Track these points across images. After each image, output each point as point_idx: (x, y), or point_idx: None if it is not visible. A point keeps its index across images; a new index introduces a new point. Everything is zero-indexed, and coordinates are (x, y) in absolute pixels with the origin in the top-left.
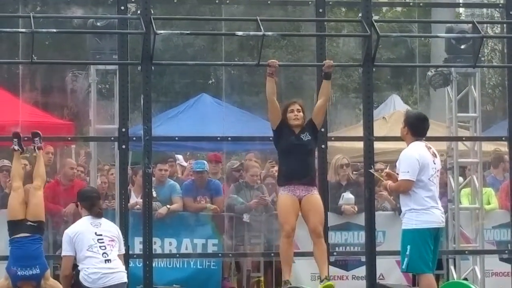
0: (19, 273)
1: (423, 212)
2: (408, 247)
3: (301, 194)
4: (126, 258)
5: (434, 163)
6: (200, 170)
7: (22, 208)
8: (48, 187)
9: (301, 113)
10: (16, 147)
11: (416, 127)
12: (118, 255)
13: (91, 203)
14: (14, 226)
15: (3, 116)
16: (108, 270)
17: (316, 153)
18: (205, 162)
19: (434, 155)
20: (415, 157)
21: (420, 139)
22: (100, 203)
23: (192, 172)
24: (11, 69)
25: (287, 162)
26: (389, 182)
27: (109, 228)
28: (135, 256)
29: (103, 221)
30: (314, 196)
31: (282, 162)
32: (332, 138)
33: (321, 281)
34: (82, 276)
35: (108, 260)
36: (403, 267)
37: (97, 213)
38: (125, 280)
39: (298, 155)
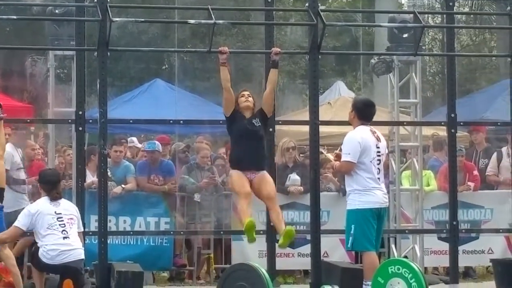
0: None
1: (365, 193)
2: (352, 226)
3: (251, 176)
4: (83, 235)
5: (378, 147)
6: (151, 149)
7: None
8: None
9: (251, 98)
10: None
11: (363, 112)
12: (78, 233)
13: (50, 186)
14: None
15: None
16: (67, 247)
17: None
18: (157, 142)
19: (378, 139)
20: (357, 140)
21: (366, 124)
22: (59, 186)
23: (145, 152)
24: None
25: (239, 146)
26: (337, 163)
27: (68, 207)
28: (90, 233)
29: (62, 201)
30: (264, 174)
31: (234, 147)
32: (280, 122)
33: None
34: (41, 253)
35: (66, 237)
36: (348, 245)
37: (55, 197)
38: (83, 256)
39: (249, 140)
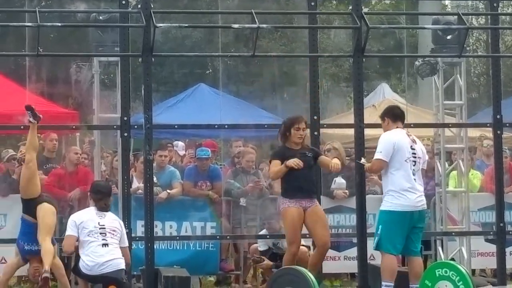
0: (26, 247)
1: (398, 196)
2: (380, 226)
3: (306, 205)
4: (129, 241)
5: (413, 148)
6: (205, 157)
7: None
8: (53, 173)
9: (305, 133)
10: (31, 119)
11: (393, 113)
12: (122, 248)
13: (100, 197)
14: (28, 203)
15: (10, 106)
16: (105, 258)
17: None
18: (209, 149)
19: (414, 141)
20: (391, 140)
21: (401, 127)
22: (109, 199)
23: (196, 159)
24: (18, 61)
25: (293, 177)
26: (369, 165)
27: (113, 221)
28: (137, 238)
29: (109, 214)
30: (319, 207)
31: (287, 177)
32: (325, 126)
33: None
34: (81, 263)
35: (105, 245)
36: (374, 245)
37: (102, 208)
38: (123, 267)
39: (302, 170)
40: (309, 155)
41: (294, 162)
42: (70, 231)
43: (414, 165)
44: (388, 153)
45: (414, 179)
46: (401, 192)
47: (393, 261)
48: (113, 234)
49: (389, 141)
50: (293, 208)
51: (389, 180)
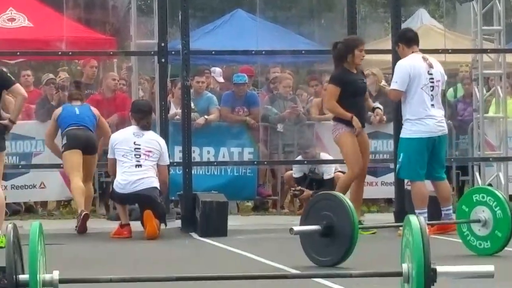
0: None
1: (416, 123)
2: (401, 154)
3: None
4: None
5: (430, 73)
6: (241, 82)
7: None
8: (91, 99)
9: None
10: None
11: (404, 38)
12: (161, 166)
13: (141, 115)
14: None
15: (48, 32)
16: (138, 176)
17: None
18: (245, 75)
19: (431, 66)
20: (406, 68)
21: (416, 51)
22: (150, 117)
23: (233, 84)
24: None
25: (350, 104)
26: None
27: (150, 140)
28: (175, 164)
29: (149, 133)
30: (367, 136)
31: (345, 105)
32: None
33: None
34: (115, 183)
35: (139, 165)
36: (396, 173)
37: (143, 126)
38: (156, 185)
39: (359, 97)
40: (365, 81)
41: (358, 125)
42: (109, 153)
43: (432, 90)
44: (404, 82)
45: (432, 105)
46: (419, 119)
47: (421, 188)
48: (148, 156)
49: (404, 69)
50: (351, 133)
51: (407, 108)
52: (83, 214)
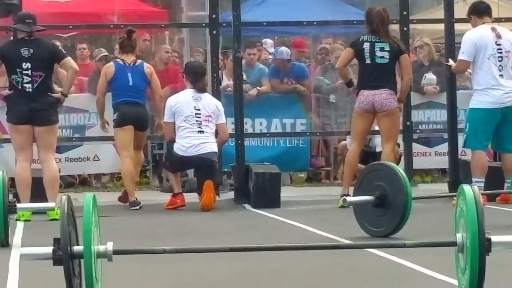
0: None
1: (483, 93)
2: (467, 124)
3: None
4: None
5: (498, 44)
6: (279, 57)
7: None
8: None
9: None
10: None
11: (476, 10)
12: (220, 124)
13: (196, 77)
14: None
15: (100, 5)
16: (200, 140)
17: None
18: (284, 50)
19: (499, 36)
20: (472, 39)
21: (488, 22)
22: (204, 79)
23: (273, 58)
24: None
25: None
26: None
27: (209, 104)
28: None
29: (205, 96)
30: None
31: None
32: (414, 21)
33: None
34: (176, 146)
35: (201, 131)
36: (462, 143)
37: (200, 88)
38: (216, 150)
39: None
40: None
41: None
42: (166, 117)
43: (500, 61)
44: (471, 52)
45: (501, 75)
46: (486, 89)
47: (482, 158)
48: (208, 121)
49: (470, 40)
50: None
51: (474, 79)
52: (130, 202)
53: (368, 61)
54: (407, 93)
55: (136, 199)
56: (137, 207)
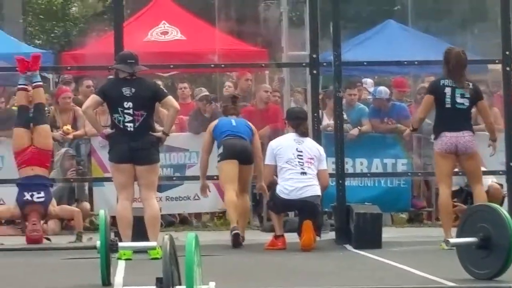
0: None
1: None
2: None
3: None
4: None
5: None
6: (378, 97)
7: None
8: (244, 111)
9: None
10: None
11: None
12: (321, 170)
13: (298, 122)
14: None
15: (200, 44)
16: (303, 183)
17: None
18: (383, 89)
19: None
20: None
21: None
22: (306, 123)
23: (373, 98)
24: (207, 0)
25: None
26: None
27: (311, 147)
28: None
29: (307, 139)
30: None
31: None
32: None
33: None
34: (279, 189)
35: (304, 173)
36: None
37: (302, 132)
38: (319, 193)
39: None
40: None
41: None
42: (267, 160)
43: None
44: None
45: None
46: None
47: None
48: (310, 163)
49: None
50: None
51: None
52: (233, 233)
53: (448, 105)
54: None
55: (238, 229)
56: (237, 231)
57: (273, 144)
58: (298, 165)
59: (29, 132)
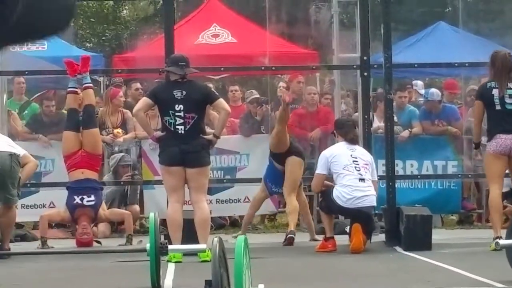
0: (273, 189)
1: None
2: None
3: None
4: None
5: None
6: (430, 99)
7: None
8: (295, 113)
9: None
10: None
11: None
12: (373, 181)
13: (346, 130)
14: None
15: (251, 47)
16: (361, 193)
17: None
18: (435, 91)
19: None
20: None
21: None
22: (355, 131)
23: (424, 100)
24: (258, 3)
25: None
26: None
27: (364, 154)
28: (378, 177)
29: (358, 147)
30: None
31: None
32: None
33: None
34: (336, 195)
35: (362, 180)
36: None
37: (351, 139)
38: (375, 203)
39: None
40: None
41: None
42: (319, 169)
43: None
44: None
45: None
46: None
47: None
48: (366, 168)
49: None
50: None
51: None
52: (288, 236)
53: (498, 107)
54: None
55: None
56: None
57: (327, 153)
58: (355, 170)
59: (79, 135)
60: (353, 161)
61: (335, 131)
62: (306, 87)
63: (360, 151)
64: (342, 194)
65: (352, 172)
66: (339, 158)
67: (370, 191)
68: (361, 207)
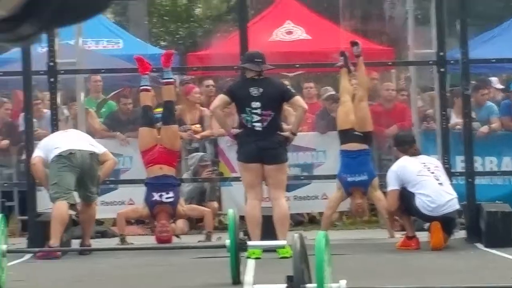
0: (348, 179)
1: None
2: None
3: None
4: (449, 176)
5: None
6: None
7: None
8: (371, 110)
9: None
10: (340, 64)
11: None
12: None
13: (407, 146)
14: (343, 135)
15: (325, 44)
16: (445, 198)
17: None
18: None
19: None
20: None
21: None
22: (414, 145)
23: (509, 92)
24: None
25: None
26: None
27: (431, 160)
28: (457, 174)
29: (421, 156)
30: None
31: None
32: None
33: None
34: (420, 203)
35: (440, 183)
36: None
37: (413, 154)
38: (458, 206)
39: None
40: None
41: None
42: (391, 185)
43: None
44: None
45: None
46: None
47: None
48: (439, 170)
49: None
50: None
51: None
52: None
53: None
54: None
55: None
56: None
57: (394, 168)
58: (431, 175)
59: (154, 131)
60: (424, 165)
61: (395, 148)
62: (383, 84)
63: (426, 158)
64: (426, 203)
65: (428, 176)
66: (408, 168)
67: (453, 194)
68: (446, 213)
